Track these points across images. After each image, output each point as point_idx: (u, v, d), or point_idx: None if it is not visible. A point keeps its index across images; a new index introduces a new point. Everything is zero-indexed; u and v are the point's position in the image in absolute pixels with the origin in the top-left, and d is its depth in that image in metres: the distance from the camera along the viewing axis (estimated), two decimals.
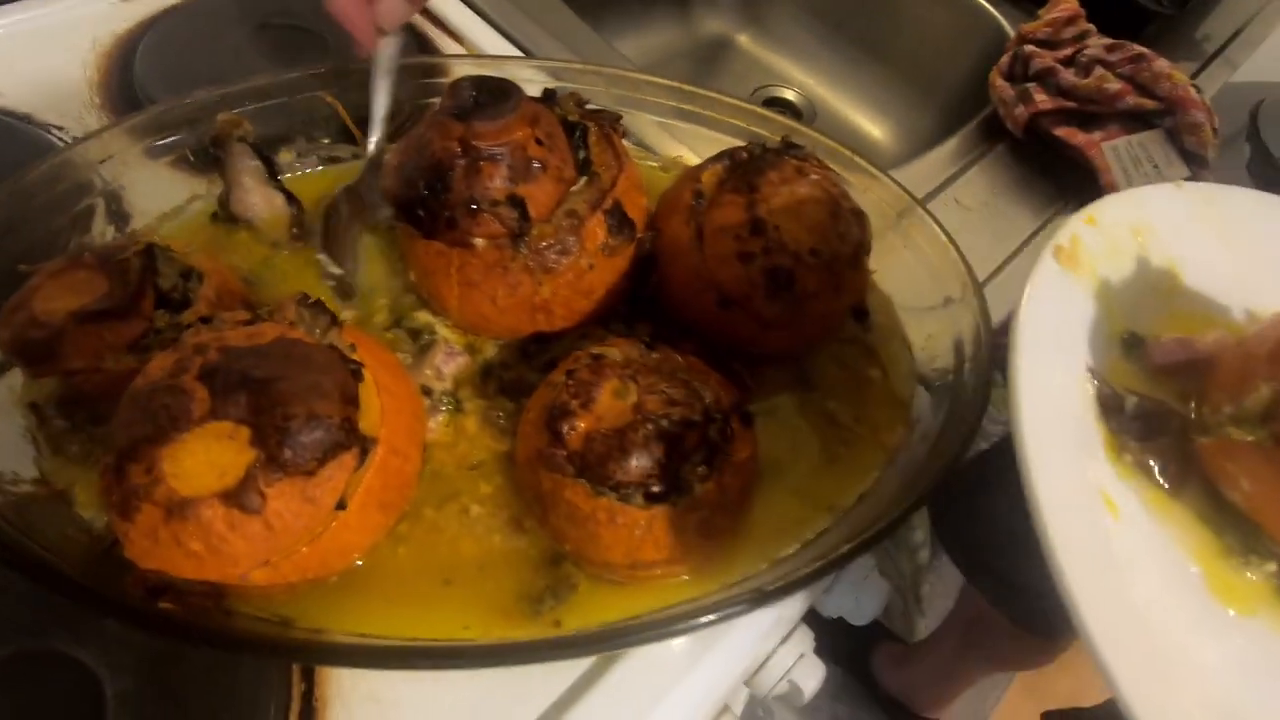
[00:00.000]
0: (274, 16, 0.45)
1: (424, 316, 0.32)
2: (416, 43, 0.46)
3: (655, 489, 0.24)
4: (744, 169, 0.32)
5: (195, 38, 0.43)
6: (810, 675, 0.35)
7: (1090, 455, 0.23)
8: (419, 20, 0.48)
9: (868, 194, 0.37)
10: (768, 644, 0.33)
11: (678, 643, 0.29)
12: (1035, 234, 0.47)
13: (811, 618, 0.35)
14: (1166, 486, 0.23)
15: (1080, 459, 0.22)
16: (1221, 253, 0.29)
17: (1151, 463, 0.23)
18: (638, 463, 0.24)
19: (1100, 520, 0.21)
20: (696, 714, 0.29)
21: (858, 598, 0.37)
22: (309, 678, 0.26)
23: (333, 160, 0.36)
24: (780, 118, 0.40)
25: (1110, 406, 0.24)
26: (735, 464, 0.26)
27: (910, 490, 0.28)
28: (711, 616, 0.23)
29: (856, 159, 0.38)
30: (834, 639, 1.15)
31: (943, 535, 0.62)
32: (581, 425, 0.25)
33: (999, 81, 0.52)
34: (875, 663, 1.08)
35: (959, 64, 0.70)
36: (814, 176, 0.31)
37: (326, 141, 0.36)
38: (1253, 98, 0.90)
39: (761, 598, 0.24)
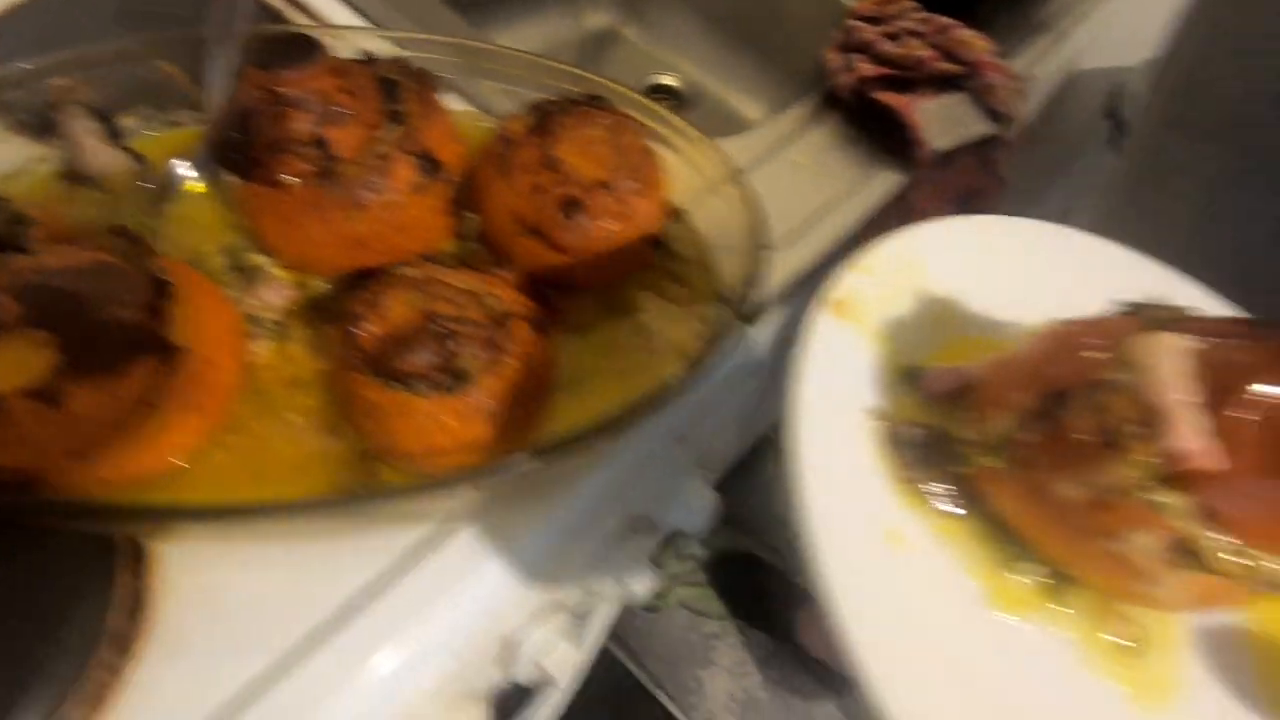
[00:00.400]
0: (135, 3, 0.48)
1: (257, 259, 0.35)
2: (270, 18, 0.48)
3: (438, 379, 0.28)
4: (546, 116, 0.36)
5: (55, 25, 0.46)
6: (639, 581, 0.39)
7: (874, 496, 0.24)
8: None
9: (691, 154, 0.41)
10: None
11: (488, 525, 0.32)
12: (857, 185, 0.52)
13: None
14: (950, 510, 0.24)
15: (861, 503, 0.23)
16: (994, 279, 0.30)
17: (933, 489, 0.24)
18: (420, 356, 0.28)
19: (882, 557, 0.22)
20: (521, 596, 0.32)
21: (688, 506, 0.41)
22: (137, 572, 0.29)
23: (175, 125, 0.39)
24: (610, 81, 0.44)
25: (892, 441, 0.25)
26: (519, 363, 0.30)
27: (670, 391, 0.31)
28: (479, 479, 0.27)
29: (673, 119, 0.42)
30: (758, 605, 1.19)
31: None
32: (373, 328, 0.28)
33: (831, 54, 0.58)
34: (797, 627, 1.13)
35: (823, 47, 0.76)
36: (606, 121, 0.36)
37: (170, 109, 0.39)
38: (1116, 80, 0.98)
39: (536, 455, 0.28)
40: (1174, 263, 0.32)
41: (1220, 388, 0.19)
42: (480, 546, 0.32)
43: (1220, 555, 0.19)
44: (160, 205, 0.35)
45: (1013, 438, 0.22)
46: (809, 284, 0.48)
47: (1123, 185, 0.61)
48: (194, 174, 0.36)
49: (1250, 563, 0.19)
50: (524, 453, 0.27)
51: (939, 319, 0.28)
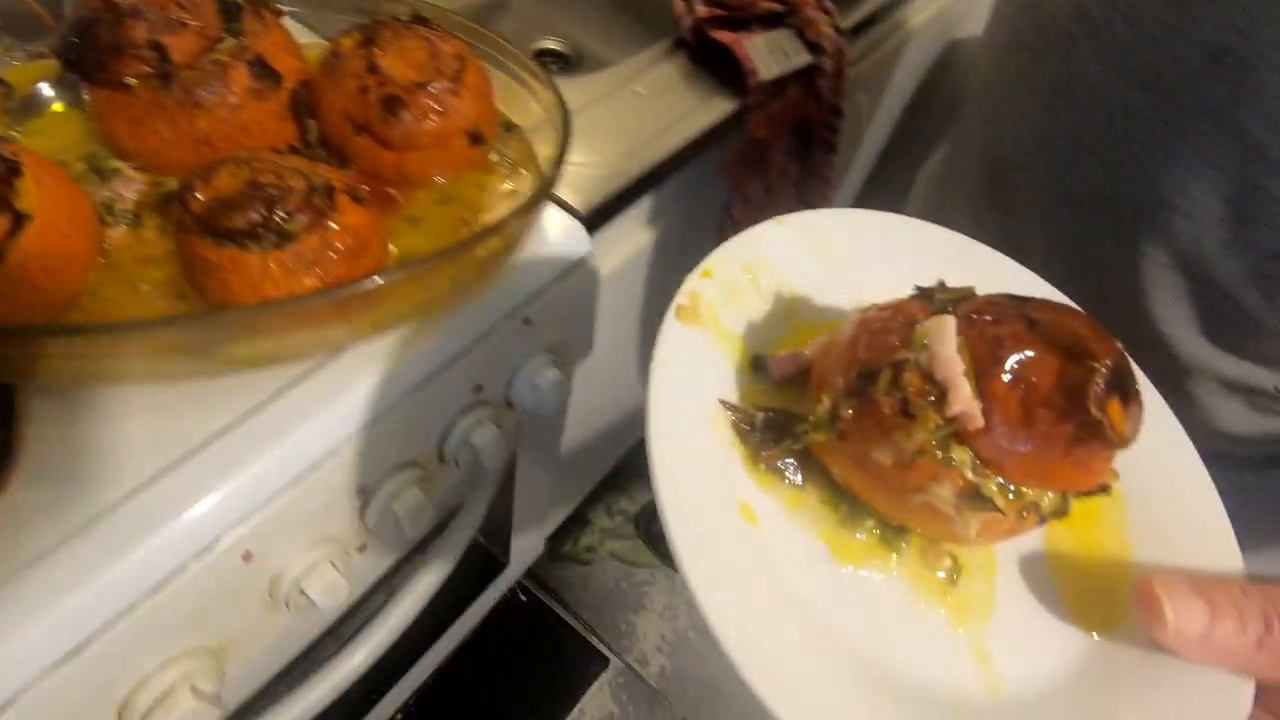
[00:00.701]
0: None
1: (114, 163, 0.39)
2: None
3: (263, 235, 0.33)
4: (372, 31, 0.41)
5: None
6: (487, 446, 0.44)
7: (729, 478, 0.26)
8: None
9: (516, 70, 0.47)
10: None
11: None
12: (695, 110, 0.58)
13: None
14: (798, 482, 0.27)
15: (715, 483, 0.25)
16: (828, 268, 0.32)
17: (782, 465, 0.27)
18: (245, 215, 0.33)
19: (738, 530, 0.25)
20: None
21: (534, 384, 0.46)
22: (6, 423, 0.33)
23: (41, 56, 0.43)
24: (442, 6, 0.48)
25: (742, 426, 0.27)
26: (343, 229, 0.35)
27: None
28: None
29: (497, 38, 0.47)
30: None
31: None
32: (203, 196, 0.33)
33: (677, 1, 0.64)
34: None
35: None
36: (425, 34, 0.41)
37: (33, 41, 0.43)
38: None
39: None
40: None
41: (989, 359, 0.23)
42: (326, 397, 0.37)
43: (996, 494, 0.23)
44: (23, 121, 0.39)
45: (836, 414, 0.25)
46: (649, 185, 0.54)
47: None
48: (57, 95, 0.41)
49: (1016, 497, 0.24)
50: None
51: (780, 311, 0.30)
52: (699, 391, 0.27)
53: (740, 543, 0.25)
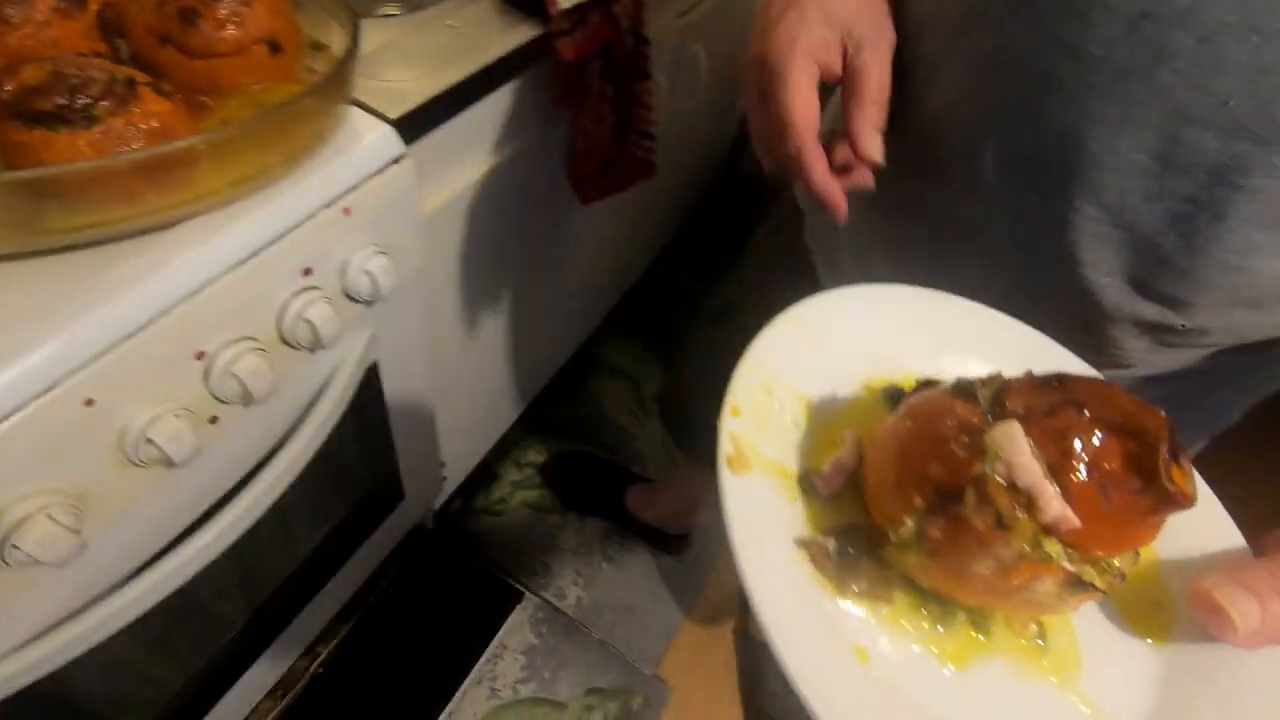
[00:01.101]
0: None
1: None
2: None
3: (70, 117, 0.38)
4: None
5: None
6: (316, 317, 0.50)
7: (827, 615, 0.25)
8: None
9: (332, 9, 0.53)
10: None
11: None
12: (499, 36, 0.65)
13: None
14: (889, 599, 0.27)
15: (824, 633, 0.25)
16: (828, 357, 0.31)
17: (865, 583, 0.26)
18: (51, 99, 0.38)
19: (857, 673, 0.24)
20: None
21: (365, 271, 0.52)
22: None
23: None
24: None
25: (818, 557, 0.26)
26: (144, 114, 0.40)
27: None
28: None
29: None
30: (591, 494, 1.32)
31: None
32: (10, 86, 0.38)
33: None
34: (629, 502, 1.27)
35: None
36: None
37: None
38: None
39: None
40: None
41: (1059, 454, 0.23)
42: (156, 262, 0.42)
43: (1096, 577, 0.24)
44: None
45: (924, 533, 0.25)
46: (461, 99, 0.61)
47: None
48: None
49: (1108, 569, 0.25)
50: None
51: (806, 417, 0.30)
52: (775, 538, 0.26)
53: (864, 684, 0.24)
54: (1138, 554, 0.26)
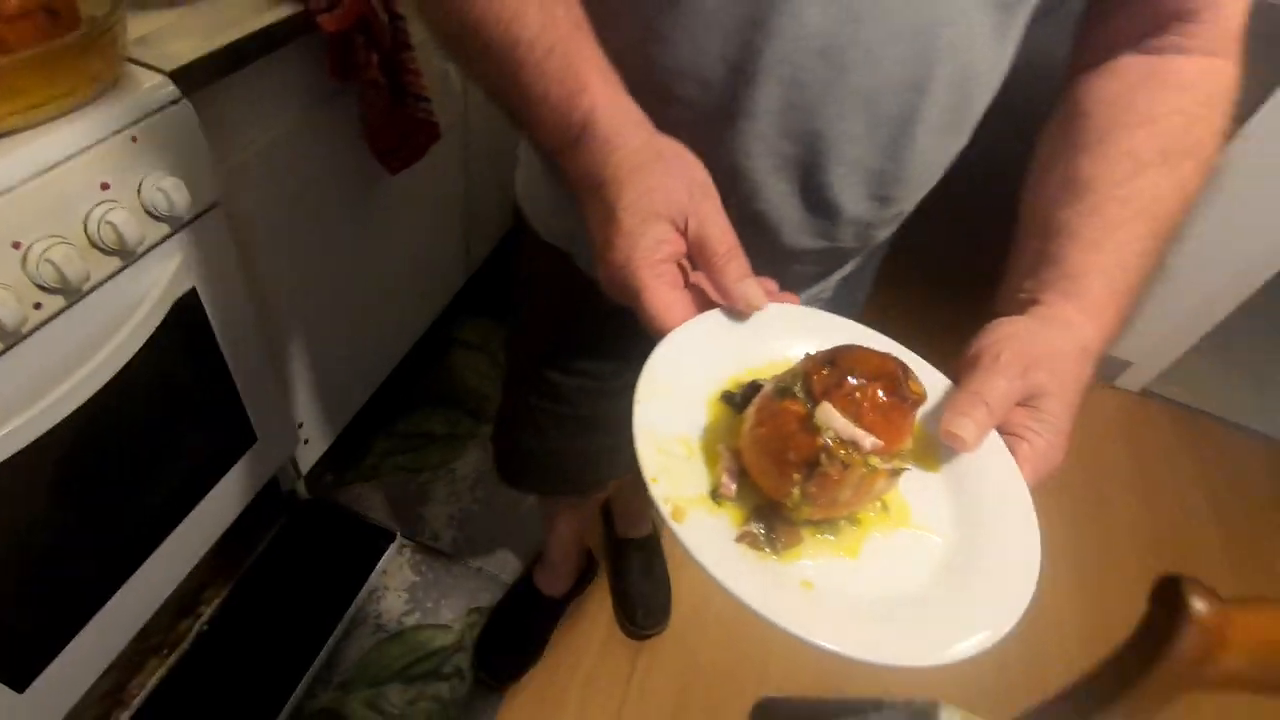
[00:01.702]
0: None
1: None
2: None
3: None
4: None
5: None
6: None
7: (775, 573, 0.33)
8: None
9: None
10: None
11: None
12: (264, 15, 0.81)
13: None
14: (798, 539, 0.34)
15: (776, 582, 0.32)
16: (682, 391, 0.36)
17: (785, 539, 0.33)
18: None
19: (808, 596, 0.32)
20: None
21: (158, 189, 0.66)
22: None
23: None
24: None
25: (753, 540, 0.33)
26: None
27: None
28: None
29: None
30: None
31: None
32: None
33: None
34: (540, 583, 1.31)
35: None
36: None
37: None
38: None
39: None
40: None
41: (854, 407, 0.32)
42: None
43: (902, 462, 0.33)
44: None
45: (805, 492, 0.32)
46: (229, 58, 0.76)
47: None
48: None
49: (902, 457, 0.33)
50: None
51: (691, 450, 0.35)
52: (723, 546, 0.33)
53: (816, 601, 0.32)
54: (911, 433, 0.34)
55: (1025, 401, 0.37)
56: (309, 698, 1.11)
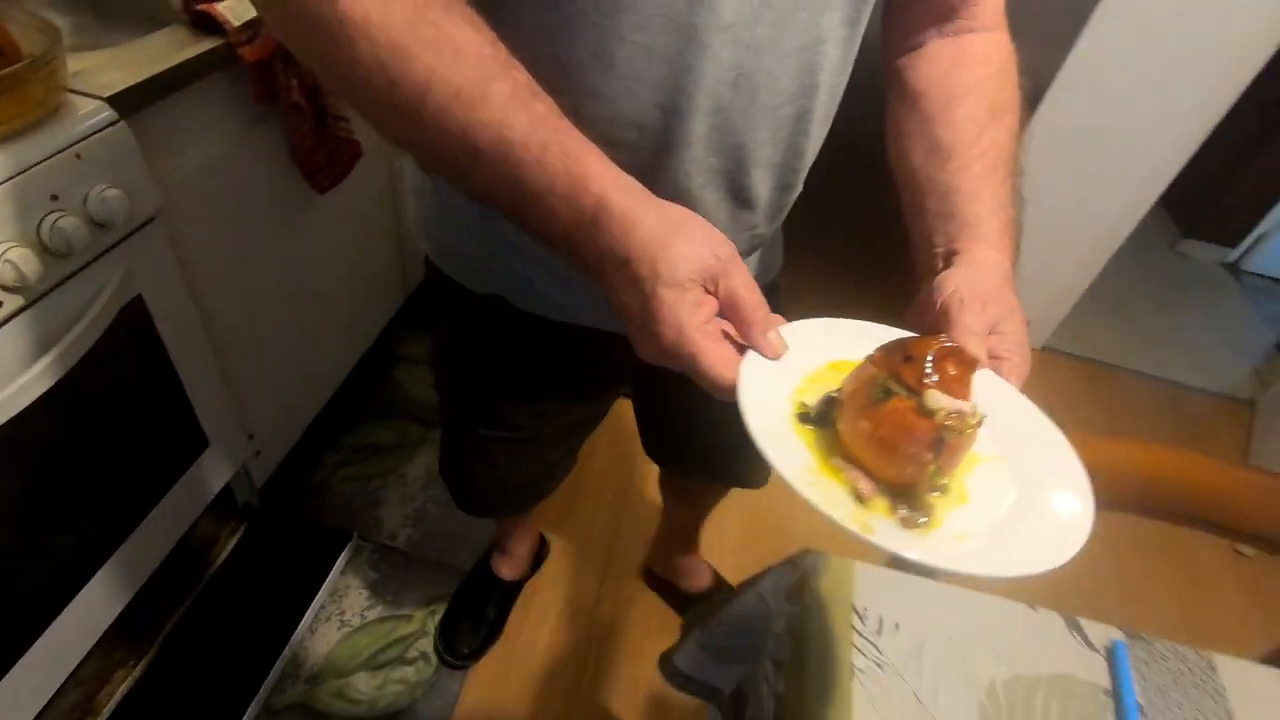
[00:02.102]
0: None
1: None
2: None
3: None
4: None
5: None
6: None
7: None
8: None
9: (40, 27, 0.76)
10: None
11: None
12: (186, 48, 0.90)
13: None
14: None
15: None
16: (774, 407, 0.40)
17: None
18: None
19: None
20: None
21: (102, 199, 0.74)
22: None
23: None
24: None
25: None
26: None
27: None
28: None
29: None
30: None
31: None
32: None
33: None
34: (497, 569, 1.40)
35: None
36: None
37: None
38: None
39: None
40: None
41: (944, 384, 0.37)
42: None
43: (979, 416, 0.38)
44: None
45: (938, 470, 0.37)
46: (160, 84, 0.85)
47: None
48: None
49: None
50: None
51: (818, 466, 0.39)
52: (914, 539, 0.37)
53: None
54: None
55: (991, 330, 0.45)
56: (278, 693, 1.15)
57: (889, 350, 0.39)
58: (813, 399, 0.42)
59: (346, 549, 1.33)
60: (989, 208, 0.51)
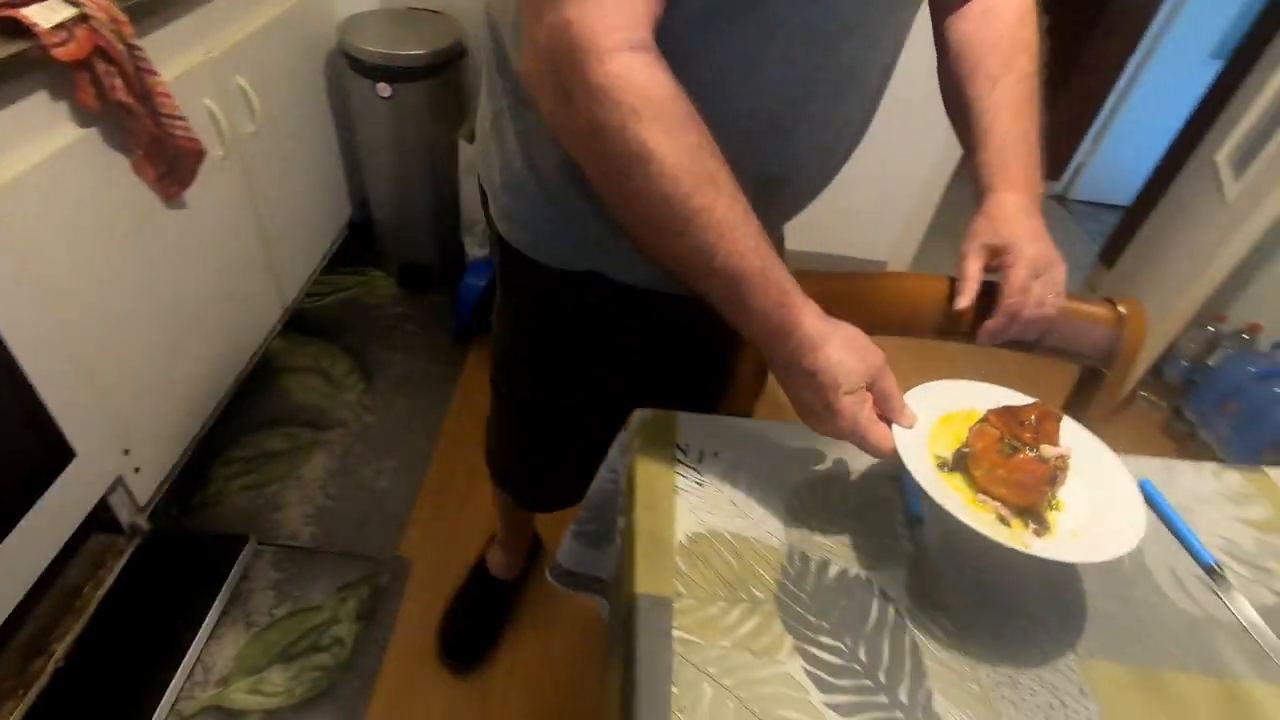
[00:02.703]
0: None
1: None
2: None
3: None
4: None
5: None
6: None
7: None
8: None
9: None
10: None
11: None
12: None
13: None
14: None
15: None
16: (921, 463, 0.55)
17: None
18: None
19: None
20: None
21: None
22: None
23: None
24: None
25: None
26: None
27: None
28: None
29: None
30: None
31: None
32: None
33: None
34: (492, 567, 1.44)
35: None
36: None
37: None
38: None
39: None
40: None
41: (1043, 436, 0.55)
42: None
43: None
44: None
45: (1054, 493, 0.55)
46: None
47: None
48: None
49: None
50: None
51: (969, 503, 0.56)
52: (1054, 547, 0.53)
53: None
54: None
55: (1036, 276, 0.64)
56: (186, 699, 1.14)
57: (1004, 416, 0.57)
58: (945, 452, 0.58)
59: (243, 553, 1.31)
60: (1006, 154, 0.66)
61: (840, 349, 0.53)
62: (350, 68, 1.68)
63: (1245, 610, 0.58)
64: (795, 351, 0.53)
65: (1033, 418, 0.56)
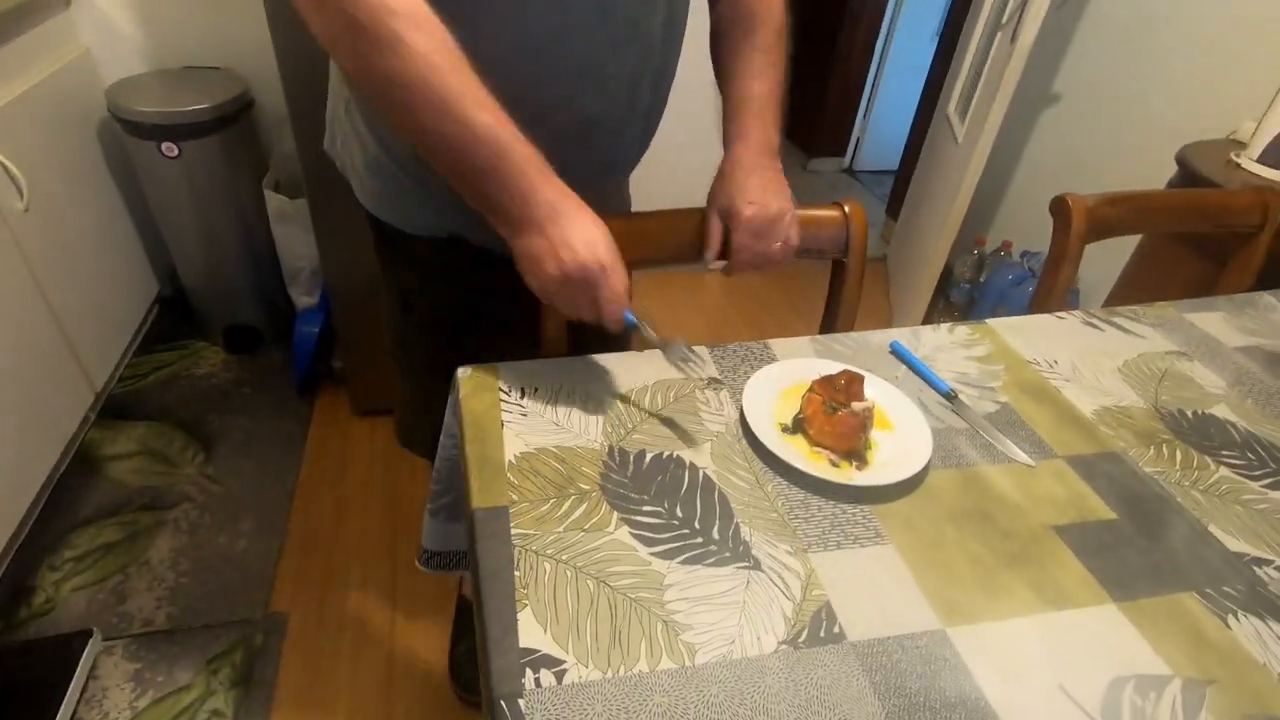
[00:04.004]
0: None
1: None
2: None
3: None
4: None
5: None
6: None
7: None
8: None
9: None
10: None
11: None
12: None
13: None
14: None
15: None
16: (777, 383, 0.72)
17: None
18: None
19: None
20: None
21: None
22: None
23: None
24: None
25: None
26: None
27: None
28: None
29: None
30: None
31: None
32: None
33: None
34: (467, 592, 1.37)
35: None
36: None
37: None
38: None
39: None
40: None
41: (851, 395, 0.67)
42: None
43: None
44: None
45: (867, 438, 0.67)
46: None
47: None
48: None
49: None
50: None
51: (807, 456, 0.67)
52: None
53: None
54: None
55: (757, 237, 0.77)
56: None
57: (823, 384, 0.68)
58: (786, 420, 0.70)
59: (86, 651, 1.20)
60: (746, 108, 0.78)
61: (595, 224, 0.63)
62: (128, 132, 1.60)
63: (973, 417, 0.72)
64: (549, 214, 0.62)
65: (843, 381, 0.68)
